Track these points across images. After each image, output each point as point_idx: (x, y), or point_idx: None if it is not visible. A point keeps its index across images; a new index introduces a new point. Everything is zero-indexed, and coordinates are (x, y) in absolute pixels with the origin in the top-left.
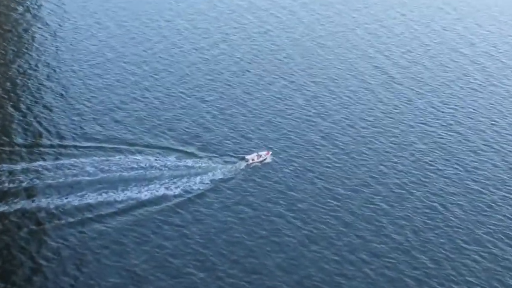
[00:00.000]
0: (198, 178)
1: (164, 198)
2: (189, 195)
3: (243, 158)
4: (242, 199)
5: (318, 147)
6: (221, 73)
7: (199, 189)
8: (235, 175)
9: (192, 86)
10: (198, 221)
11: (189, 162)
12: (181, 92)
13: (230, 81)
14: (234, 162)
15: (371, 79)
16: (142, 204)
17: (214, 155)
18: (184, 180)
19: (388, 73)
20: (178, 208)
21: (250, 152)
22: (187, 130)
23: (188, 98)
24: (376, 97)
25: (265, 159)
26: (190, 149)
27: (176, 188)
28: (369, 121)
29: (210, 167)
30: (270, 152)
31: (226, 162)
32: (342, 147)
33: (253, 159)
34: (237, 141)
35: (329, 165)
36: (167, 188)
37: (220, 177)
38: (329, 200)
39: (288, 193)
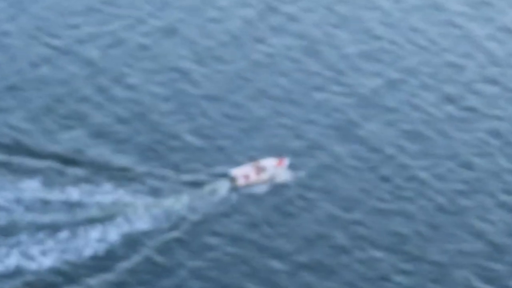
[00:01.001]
0: (95, 232)
1: (17, 274)
2: (70, 275)
3: (225, 175)
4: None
5: (355, 164)
6: (142, 5)
7: (95, 256)
8: (179, 221)
9: (75, 36)
10: None
11: (74, 193)
12: (57, 48)
13: (161, 18)
14: (185, 187)
15: (461, 17)
16: None
17: (131, 173)
18: (63, 236)
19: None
20: None
21: (229, 162)
22: (63, 119)
23: (63, 57)
24: (479, 46)
25: (271, 176)
26: (73, 165)
27: (43, 255)
28: (459, 100)
29: (121, 206)
30: (285, 160)
31: (159, 192)
32: (404, 161)
33: (246, 177)
34: (187, 151)
35: (379, 202)
36: (23, 255)
37: (144, 226)
38: (378, 283)
39: (290, 272)
